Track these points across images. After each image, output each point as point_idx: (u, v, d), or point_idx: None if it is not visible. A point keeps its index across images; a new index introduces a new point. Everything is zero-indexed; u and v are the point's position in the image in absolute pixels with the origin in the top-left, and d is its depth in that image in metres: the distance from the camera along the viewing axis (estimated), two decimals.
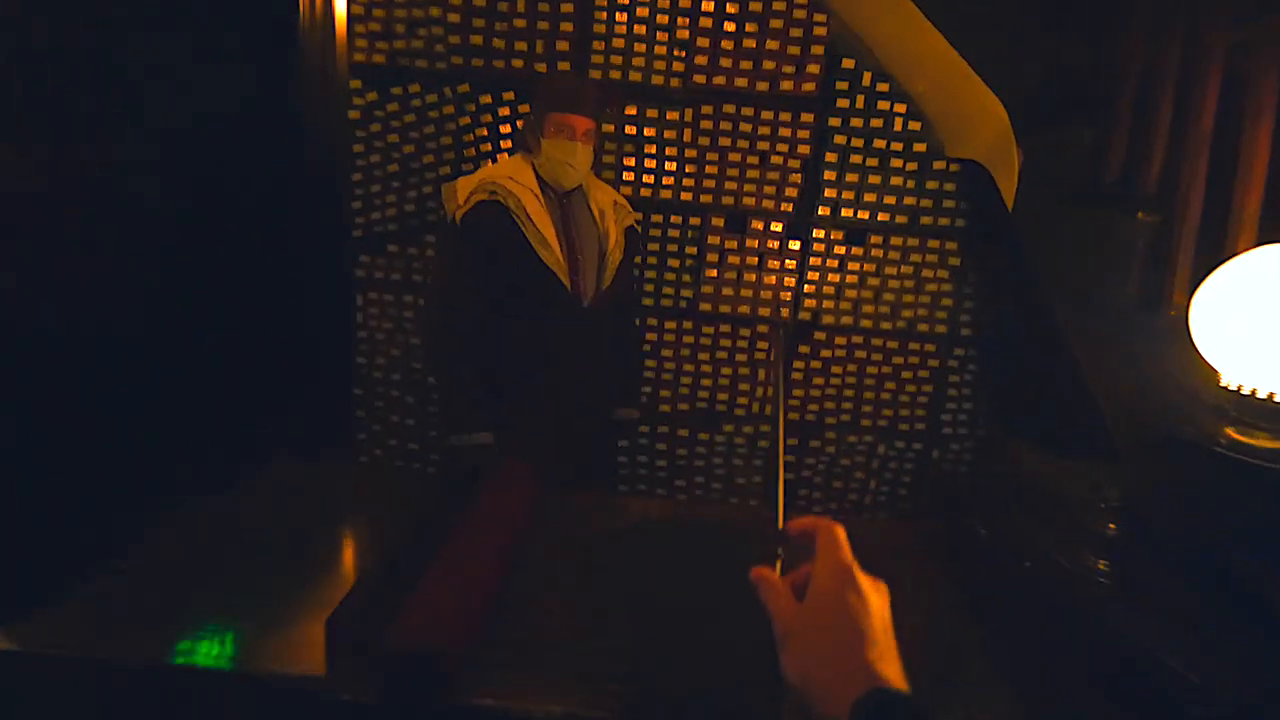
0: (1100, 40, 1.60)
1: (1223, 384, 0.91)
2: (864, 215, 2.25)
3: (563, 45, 2.12)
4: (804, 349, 2.33)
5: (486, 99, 2.16)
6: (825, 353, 2.33)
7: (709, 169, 2.21)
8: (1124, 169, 1.34)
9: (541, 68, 2.11)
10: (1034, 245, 1.67)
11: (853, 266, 2.28)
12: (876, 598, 0.41)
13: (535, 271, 1.51)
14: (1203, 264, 1.03)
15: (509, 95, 2.15)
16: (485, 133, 2.18)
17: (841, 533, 0.43)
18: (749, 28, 2.11)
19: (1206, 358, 0.91)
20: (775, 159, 2.20)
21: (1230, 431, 0.85)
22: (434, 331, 1.65)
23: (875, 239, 2.27)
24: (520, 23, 2.10)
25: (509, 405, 1.62)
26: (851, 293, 2.30)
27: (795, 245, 2.26)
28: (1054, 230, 1.56)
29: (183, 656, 0.84)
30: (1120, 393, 1.18)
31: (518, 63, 2.13)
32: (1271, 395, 0.83)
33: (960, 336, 2.31)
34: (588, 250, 1.60)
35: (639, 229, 1.90)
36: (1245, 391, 0.85)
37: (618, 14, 2.12)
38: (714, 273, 2.28)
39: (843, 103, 2.15)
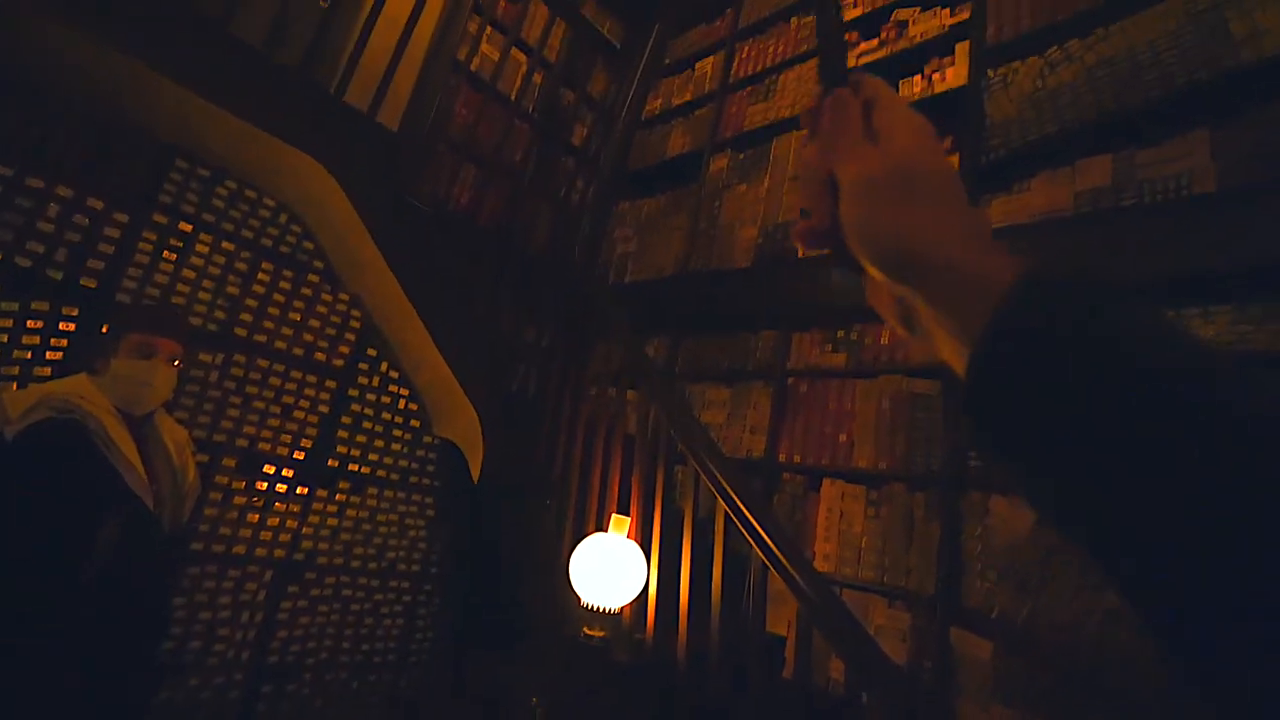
0: (531, 384, 2.66)
1: (583, 603, 1.70)
2: (366, 470, 2.72)
3: (95, 264, 2.10)
4: (293, 588, 2.47)
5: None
6: (315, 591, 2.52)
7: (231, 411, 2.36)
8: (540, 469, 2.27)
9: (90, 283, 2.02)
10: (493, 507, 2.45)
11: (350, 513, 2.66)
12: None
13: (122, 502, 1.38)
14: (577, 535, 1.90)
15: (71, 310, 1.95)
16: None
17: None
18: (297, 304, 2.53)
19: (575, 588, 1.70)
20: (298, 413, 2.53)
21: (585, 628, 1.63)
22: None
23: (372, 490, 2.74)
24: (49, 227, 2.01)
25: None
26: (346, 536, 2.64)
27: (303, 491, 2.52)
28: (505, 503, 2.37)
29: None
30: (541, 606, 1.94)
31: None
32: (599, 608, 1.64)
33: (430, 575, 2.87)
34: (164, 485, 1.52)
35: None
36: (589, 605, 1.65)
37: (166, 251, 2.26)
38: (213, 511, 2.30)
39: (363, 380, 2.71)
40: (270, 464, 2.44)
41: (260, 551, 2.38)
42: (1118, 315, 0.25)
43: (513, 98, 3.12)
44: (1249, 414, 0.22)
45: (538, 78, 3.39)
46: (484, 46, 3.14)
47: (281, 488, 2.46)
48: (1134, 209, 1.85)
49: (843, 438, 2.24)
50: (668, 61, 3.77)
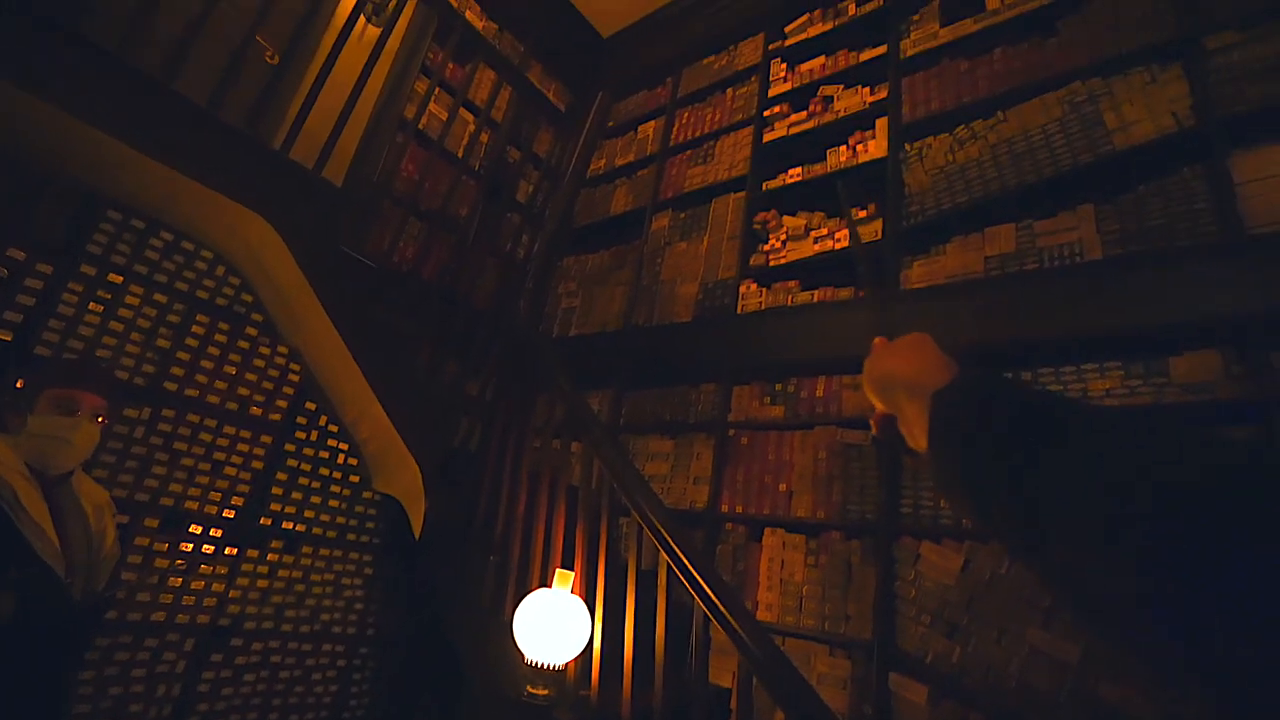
0: (475, 437, 2.64)
1: (527, 660, 1.67)
2: (301, 528, 2.62)
3: (12, 316, 2.01)
4: (217, 657, 2.33)
5: None
6: (240, 659, 2.38)
7: (156, 469, 2.25)
8: (483, 523, 2.24)
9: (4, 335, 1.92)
10: (435, 564, 2.39)
11: (282, 574, 2.54)
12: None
13: (29, 569, 1.28)
14: (520, 592, 1.88)
15: None
16: None
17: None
18: (233, 357, 2.47)
19: (519, 646, 1.68)
20: (229, 470, 2.43)
21: (528, 688, 1.60)
22: None
23: (307, 549, 2.63)
24: None
25: None
26: (277, 598, 2.51)
27: (231, 551, 2.41)
28: (447, 560, 2.32)
29: None
30: (483, 665, 1.89)
31: None
32: (544, 665, 1.62)
33: (366, 637, 2.75)
34: (78, 551, 1.42)
35: None
36: (533, 663, 1.63)
37: (92, 303, 2.18)
38: (131, 576, 2.16)
39: (300, 434, 2.64)
40: (197, 524, 2.32)
41: (181, 618, 2.25)
42: (997, 380, 0.47)
43: (460, 155, 3.19)
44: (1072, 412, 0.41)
45: (484, 137, 3.48)
46: (432, 106, 3.22)
47: (208, 548, 2.34)
48: (1035, 274, 2.04)
49: (782, 487, 2.31)
50: (611, 124, 3.94)
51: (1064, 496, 0.36)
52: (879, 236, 2.47)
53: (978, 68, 2.46)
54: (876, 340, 0.64)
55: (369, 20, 3.07)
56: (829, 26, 3.07)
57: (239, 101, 2.22)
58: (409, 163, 3.23)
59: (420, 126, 3.03)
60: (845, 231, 2.59)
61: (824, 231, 2.66)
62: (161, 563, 2.22)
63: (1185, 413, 1.69)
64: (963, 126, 2.41)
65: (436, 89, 2.88)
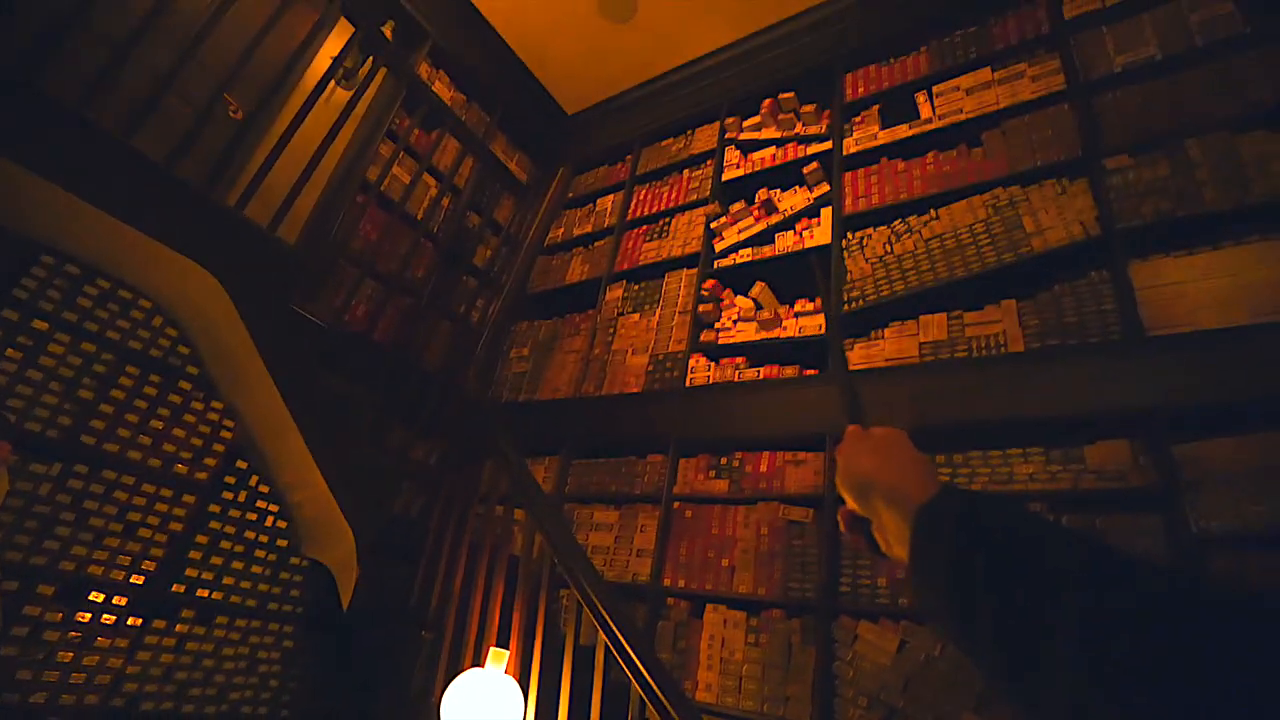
0: (416, 504, 2.56)
1: None
2: (218, 595, 2.45)
3: None
4: None
5: None
6: None
7: (60, 530, 2.09)
8: (419, 596, 2.15)
9: None
10: (363, 638, 2.26)
11: (190, 646, 2.35)
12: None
13: None
14: (453, 671, 1.79)
15: None
16: None
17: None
18: (162, 411, 2.36)
19: None
20: (143, 531, 2.28)
21: None
22: None
23: (222, 619, 2.45)
24: None
25: None
26: (182, 674, 2.31)
27: (135, 622, 2.22)
28: (377, 634, 2.20)
29: None
30: None
31: None
32: None
33: (280, 718, 2.54)
34: None
35: None
36: None
37: (10, 349, 2.07)
38: (12, 651, 1.96)
39: (227, 494, 2.51)
40: (99, 591, 2.14)
41: (67, 699, 2.04)
42: (982, 504, 0.46)
43: (419, 218, 3.23)
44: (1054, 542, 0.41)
45: (446, 201, 3.54)
46: (395, 169, 3.27)
47: (109, 619, 2.15)
48: (965, 362, 2.16)
49: (725, 563, 2.30)
50: (571, 195, 4.07)
51: (1050, 621, 0.36)
52: (822, 325, 2.59)
53: (913, 168, 2.68)
54: (850, 428, 0.61)
55: (339, 84, 3.14)
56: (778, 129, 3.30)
57: (201, 157, 2.21)
58: (368, 224, 3.24)
59: (382, 189, 3.07)
60: (792, 320, 2.70)
61: (768, 316, 2.76)
62: (51, 635, 2.03)
63: (1099, 498, 1.79)
64: (900, 220, 2.59)
65: (401, 152, 2.94)
